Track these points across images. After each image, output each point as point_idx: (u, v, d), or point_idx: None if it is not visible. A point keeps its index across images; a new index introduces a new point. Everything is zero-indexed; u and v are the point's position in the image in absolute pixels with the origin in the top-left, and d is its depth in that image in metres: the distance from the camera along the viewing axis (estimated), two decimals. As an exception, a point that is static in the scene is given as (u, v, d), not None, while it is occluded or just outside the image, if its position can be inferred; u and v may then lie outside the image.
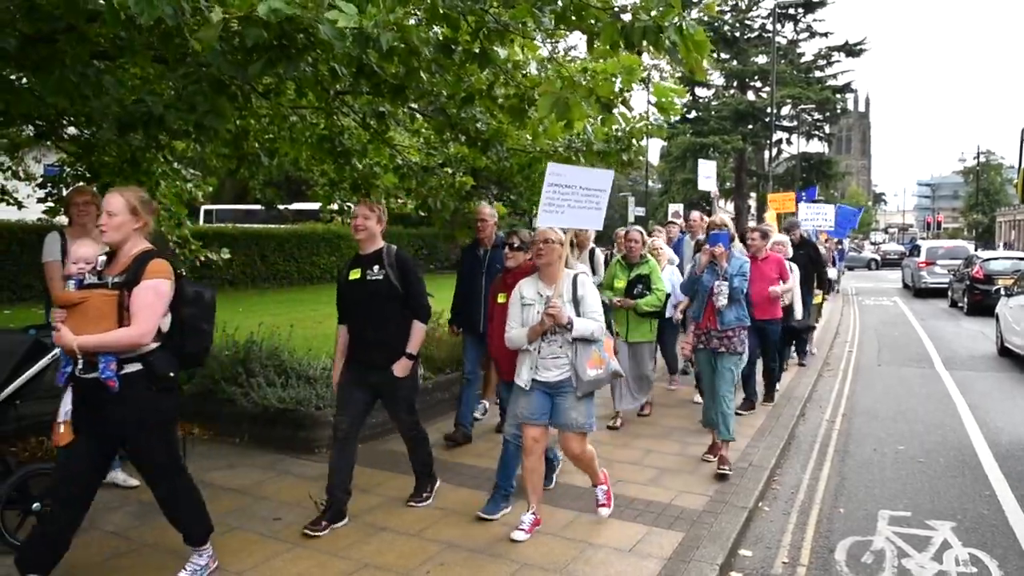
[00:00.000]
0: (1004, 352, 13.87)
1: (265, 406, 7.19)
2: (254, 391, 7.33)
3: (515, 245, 5.97)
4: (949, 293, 24.02)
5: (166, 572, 4.49)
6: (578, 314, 5.02)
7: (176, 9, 3.95)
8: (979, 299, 19.99)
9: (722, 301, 6.60)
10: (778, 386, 9.81)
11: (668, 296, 8.34)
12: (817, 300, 13.00)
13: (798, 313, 10.15)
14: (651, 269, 8.02)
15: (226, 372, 7.67)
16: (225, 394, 7.50)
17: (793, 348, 11.68)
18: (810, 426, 8.89)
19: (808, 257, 11.59)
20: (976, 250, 30.56)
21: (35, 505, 4.84)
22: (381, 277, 5.32)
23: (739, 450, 7.26)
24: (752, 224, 15.19)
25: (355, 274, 5.43)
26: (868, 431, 8.70)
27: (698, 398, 9.08)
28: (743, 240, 9.14)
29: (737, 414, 7.92)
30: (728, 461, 6.62)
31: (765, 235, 9.11)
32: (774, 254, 9.17)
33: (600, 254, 9.98)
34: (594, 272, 9.05)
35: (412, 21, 5.00)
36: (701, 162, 16.47)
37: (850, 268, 40.24)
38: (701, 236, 9.50)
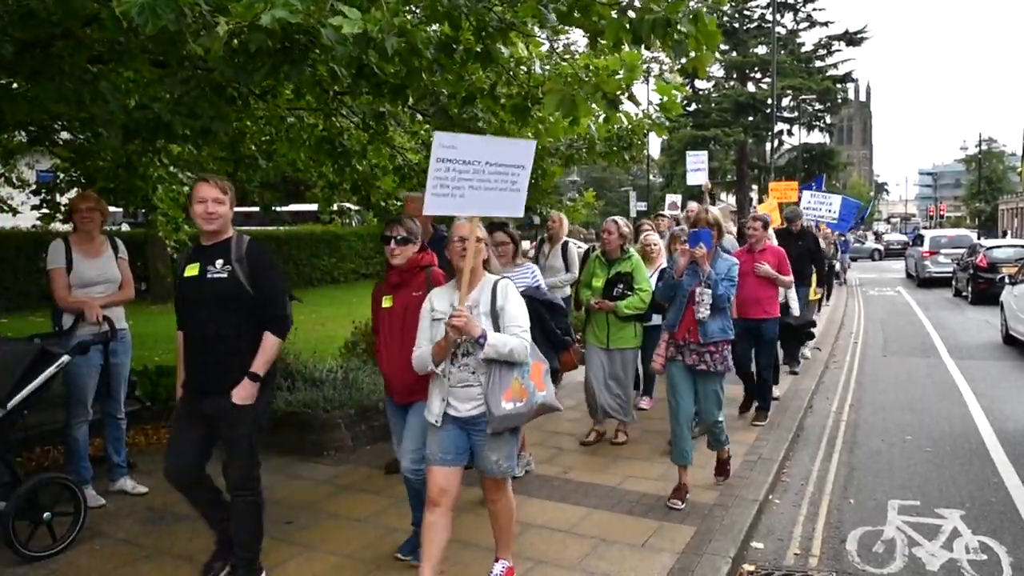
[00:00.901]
0: (1009, 340, 13.94)
1: (272, 410, 7.23)
2: (260, 395, 7.32)
3: (399, 238, 4.71)
4: (953, 282, 24.08)
5: (181, 576, 4.55)
6: (497, 331, 4.08)
7: (178, 15, 4.01)
8: (983, 288, 20.05)
9: (703, 312, 5.71)
10: (777, 391, 9.07)
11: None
12: (814, 297, 12.18)
13: (795, 309, 9.44)
14: (633, 266, 7.12)
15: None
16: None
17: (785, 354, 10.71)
18: (818, 418, 8.96)
19: (807, 249, 11.09)
20: (979, 238, 30.57)
21: (46, 515, 4.89)
22: (225, 275, 4.22)
23: (748, 443, 7.34)
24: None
25: (192, 270, 4.32)
26: (875, 422, 8.77)
27: (645, 404, 8.77)
28: (741, 233, 8.92)
29: (755, 425, 8.05)
30: (727, 470, 6.38)
31: (767, 225, 8.61)
32: (773, 246, 8.64)
33: (575, 249, 9.15)
34: (568, 269, 8.70)
35: (411, 19, 5.04)
36: (690, 153, 15.12)
37: (853, 259, 40.29)
38: (677, 228, 8.70)
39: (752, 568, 5.07)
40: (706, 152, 15.63)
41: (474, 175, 4.16)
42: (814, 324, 10.81)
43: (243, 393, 4.21)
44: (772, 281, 8.18)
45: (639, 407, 8.38)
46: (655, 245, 8.11)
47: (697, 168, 14.23)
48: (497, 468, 4.22)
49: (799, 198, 17.04)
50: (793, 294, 9.26)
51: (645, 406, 8.70)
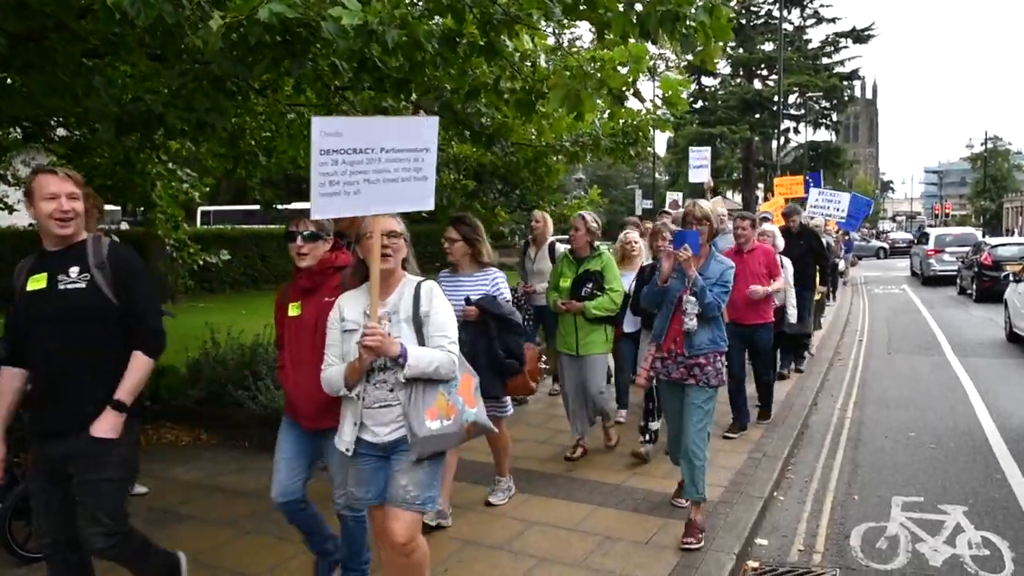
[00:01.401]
0: (1013, 338, 13.92)
1: (275, 408, 7.24)
2: (262, 394, 7.35)
3: (306, 233, 4.07)
4: (958, 280, 24.06)
5: None
6: (420, 341, 3.54)
7: (176, 6, 4.00)
8: (988, 285, 20.01)
9: (690, 323, 5.12)
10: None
11: (629, 298, 6.96)
12: (818, 297, 11.93)
13: (792, 316, 8.83)
14: (604, 264, 6.62)
15: (233, 376, 7.68)
16: (232, 398, 7.52)
17: (783, 356, 10.18)
18: (822, 415, 8.96)
19: (808, 248, 10.50)
20: (984, 236, 30.53)
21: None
22: (83, 284, 3.45)
23: (753, 441, 7.35)
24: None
25: (38, 282, 3.49)
26: (880, 419, 8.78)
27: (620, 417, 7.89)
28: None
29: (726, 437, 7.41)
30: (699, 529, 5.08)
31: (755, 224, 8.15)
32: (763, 245, 8.07)
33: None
34: None
35: (414, 11, 5.03)
36: (693, 149, 14.43)
37: (859, 257, 40.25)
38: (660, 223, 7.87)
39: (756, 564, 5.08)
40: (709, 148, 15.00)
41: (368, 165, 3.46)
42: (809, 335, 10.22)
43: (105, 425, 3.41)
44: (767, 283, 7.66)
45: (617, 420, 7.58)
46: (635, 243, 7.78)
47: (700, 165, 13.70)
48: (405, 496, 3.52)
49: (806, 193, 16.54)
50: (792, 299, 8.81)
51: (620, 419, 7.82)
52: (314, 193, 3.35)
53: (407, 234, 3.76)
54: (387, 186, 3.52)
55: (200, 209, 30.47)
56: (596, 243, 6.72)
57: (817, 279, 10.98)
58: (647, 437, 6.73)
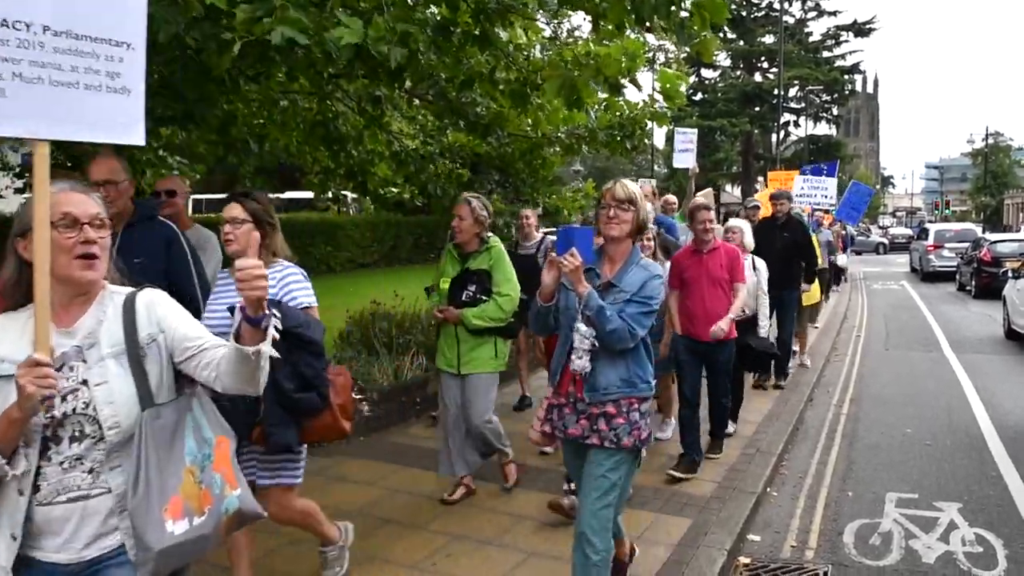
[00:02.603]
0: (1011, 335, 13.93)
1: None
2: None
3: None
4: (957, 276, 24.10)
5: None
6: (143, 384, 2.32)
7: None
8: (987, 282, 20.05)
9: (579, 361, 3.61)
10: (731, 427, 7.27)
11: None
12: (812, 299, 10.73)
13: (763, 328, 7.43)
14: (493, 260, 5.37)
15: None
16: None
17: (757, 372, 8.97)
18: (818, 411, 8.98)
19: (792, 242, 9.18)
20: (984, 232, 30.56)
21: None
22: None
23: (746, 436, 7.36)
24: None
25: None
26: (876, 415, 8.79)
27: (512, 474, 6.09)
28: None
29: (673, 477, 6.12)
30: None
31: (732, 216, 7.07)
32: (727, 244, 6.69)
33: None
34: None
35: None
36: (678, 130, 12.74)
37: (857, 252, 40.27)
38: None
39: (748, 560, 5.09)
40: (695, 131, 13.11)
41: (23, 52, 2.19)
42: (777, 355, 8.04)
43: None
44: (729, 290, 6.33)
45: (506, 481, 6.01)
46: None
47: (685, 149, 12.39)
48: None
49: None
50: (765, 309, 7.46)
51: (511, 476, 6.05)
52: None
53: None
54: (54, 91, 2.25)
55: (191, 198, 30.47)
56: (486, 235, 5.47)
57: (802, 277, 9.61)
58: (569, 486, 5.19)
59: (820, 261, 10.56)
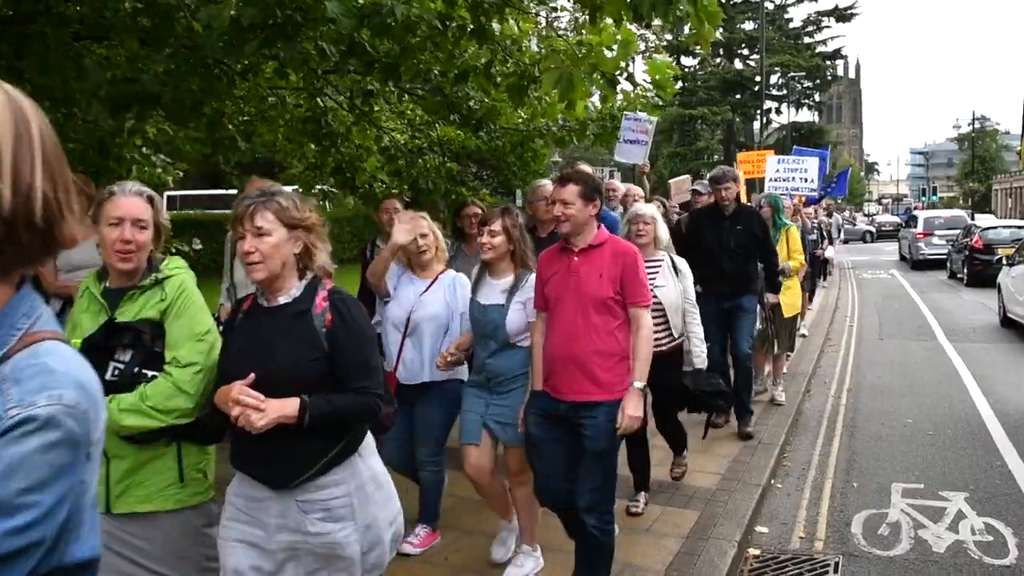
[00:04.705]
0: (1007, 323, 14.16)
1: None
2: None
3: None
4: (948, 264, 24.39)
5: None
6: None
7: None
8: (979, 269, 20.30)
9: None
10: (641, 501, 5.44)
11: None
12: (792, 309, 8.56)
13: (697, 358, 5.45)
14: (168, 302, 2.92)
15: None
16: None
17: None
18: (816, 402, 9.12)
19: (749, 235, 7.08)
20: (973, 219, 30.91)
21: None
22: None
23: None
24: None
25: None
26: (875, 406, 8.95)
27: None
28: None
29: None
30: None
31: (584, 183, 3.94)
32: (618, 240, 4.21)
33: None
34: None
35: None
36: (627, 116, 8.50)
37: (845, 242, 40.60)
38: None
39: (758, 552, 5.21)
40: (655, 120, 8.98)
41: None
42: (723, 394, 5.68)
43: None
44: (620, 319, 3.95)
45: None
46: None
47: (635, 139, 8.67)
48: None
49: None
50: (698, 330, 5.52)
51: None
52: None
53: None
54: None
55: (167, 194, 30.31)
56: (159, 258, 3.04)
57: (764, 287, 7.47)
58: None
59: (802, 262, 8.70)
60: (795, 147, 17.60)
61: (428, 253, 4.63)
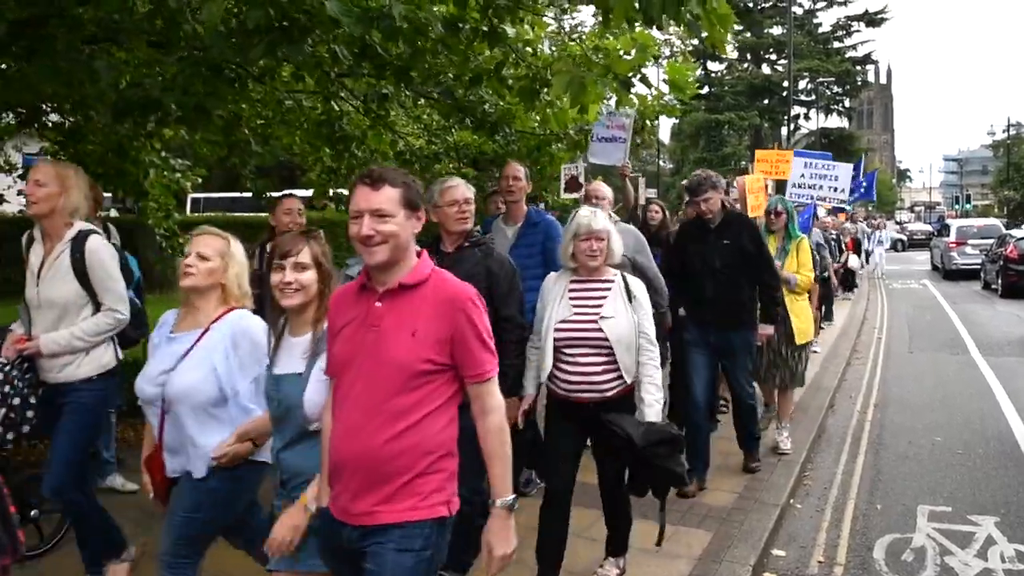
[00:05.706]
0: (1044, 337, 13.86)
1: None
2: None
3: None
4: (982, 274, 24.02)
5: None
6: None
7: None
8: (1014, 280, 19.99)
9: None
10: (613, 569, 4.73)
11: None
12: (804, 336, 7.27)
13: (651, 407, 4.21)
14: None
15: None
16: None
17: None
18: (840, 417, 8.92)
19: (738, 251, 5.96)
20: (1007, 228, 30.46)
21: (33, 512, 4.86)
22: None
23: (766, 445, 7.29)
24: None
25: None
26: (902, 422, 8.73)
27: None
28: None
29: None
30: None
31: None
32: (456, 284, 2.73)
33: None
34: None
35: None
36: (604, 107, 7.55)
37: (894, 247, 40.19)
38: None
39: (774, 577, 5.06)
40: (632, 114, 7.79)
41: None
42: (675, 440, 4.19)
43: None
44: (439, 379, 2.66)
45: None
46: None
47: (612, 137, 7.81)
48: None
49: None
50: (655, 374, 4.31)
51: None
52: None
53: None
54: None
55: (190, 197, 30.58)
56: None
57: (760, 314, 6.33)
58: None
59: (810, 278, 7.46)
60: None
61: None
